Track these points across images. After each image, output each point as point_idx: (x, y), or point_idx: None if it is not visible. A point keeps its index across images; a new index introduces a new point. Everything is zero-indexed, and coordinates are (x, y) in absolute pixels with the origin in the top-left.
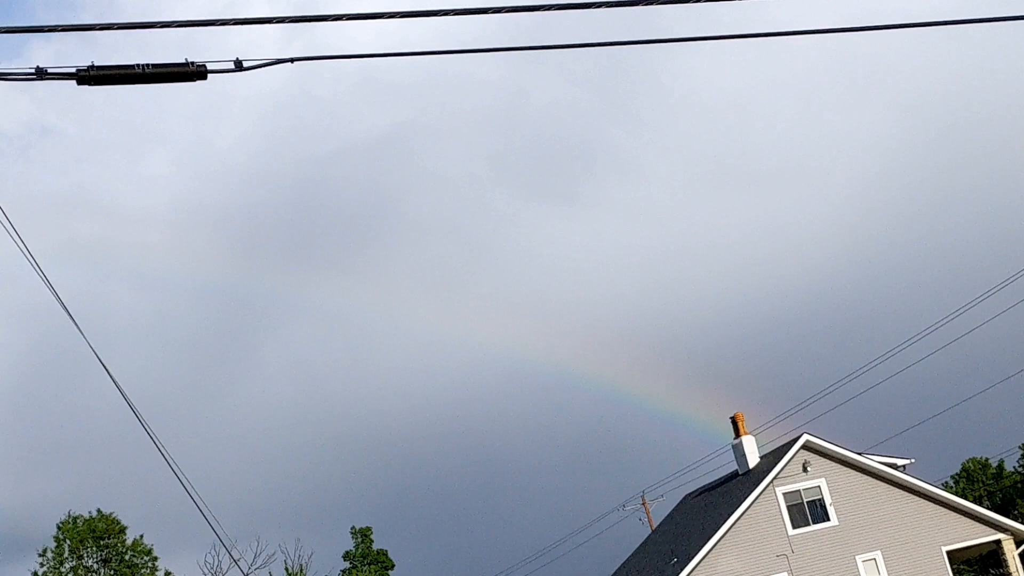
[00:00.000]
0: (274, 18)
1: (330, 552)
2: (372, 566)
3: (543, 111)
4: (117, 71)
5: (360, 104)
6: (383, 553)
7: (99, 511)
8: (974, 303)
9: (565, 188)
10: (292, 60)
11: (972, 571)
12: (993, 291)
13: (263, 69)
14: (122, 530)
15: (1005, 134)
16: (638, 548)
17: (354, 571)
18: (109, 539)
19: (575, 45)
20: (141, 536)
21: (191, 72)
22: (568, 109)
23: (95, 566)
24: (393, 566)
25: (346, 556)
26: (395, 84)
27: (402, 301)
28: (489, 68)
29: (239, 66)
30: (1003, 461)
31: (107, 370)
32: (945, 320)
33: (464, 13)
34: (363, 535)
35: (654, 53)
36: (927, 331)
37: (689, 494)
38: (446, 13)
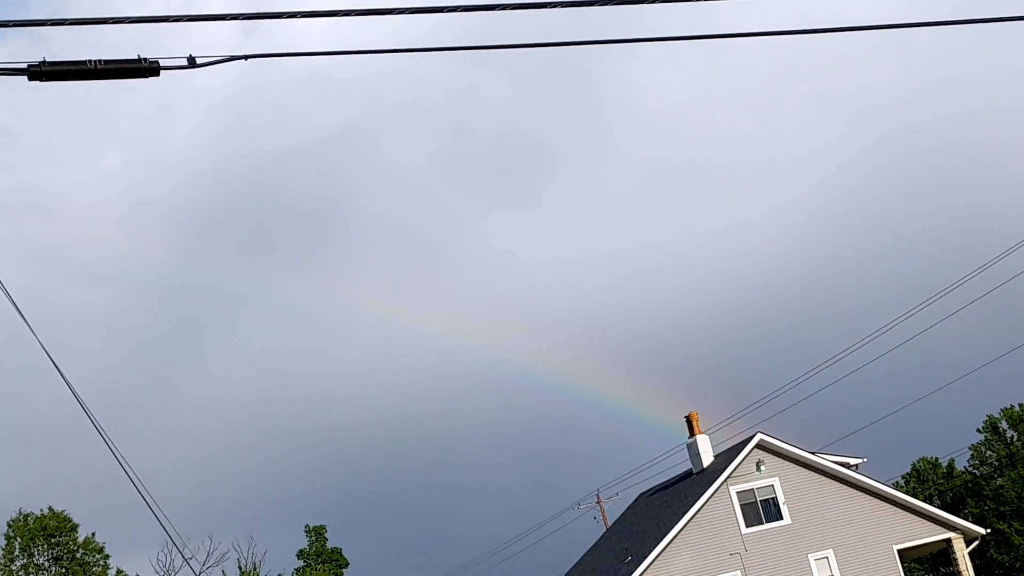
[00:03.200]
0: (227, 15)
1: (284, 550)
2: (326, 564)
3: (496, 112)
4: (70, 67)
5: (311, 103)
6: (337, 551)
7: (50, 509)
8: (925, 304)
9: (518, 189)
10: (245, 57)
11: (923, 569)
12: (943, 293)
13: (216, 68)
14: (73, 528)
15: (941, 140)
16: (593, 546)
17: (308, 569)
18: (60, 537)
19: (523, 45)
20: (93, 534)
21: (144, 68)
22: (521, 111)
23: (46, 564)
24: (347, 564)
25: (300, 554)
26: (345, 83)
27: (358, 298)
28: (440, 68)
29: (192, 63)
30: (953, 461)
31: (56, 366)
32: (897, 321)
33: (418, 12)
34: (317, 533)
35: (605, 58)
36: (879, 332)
37: (644, 493)
38: (401, 12)
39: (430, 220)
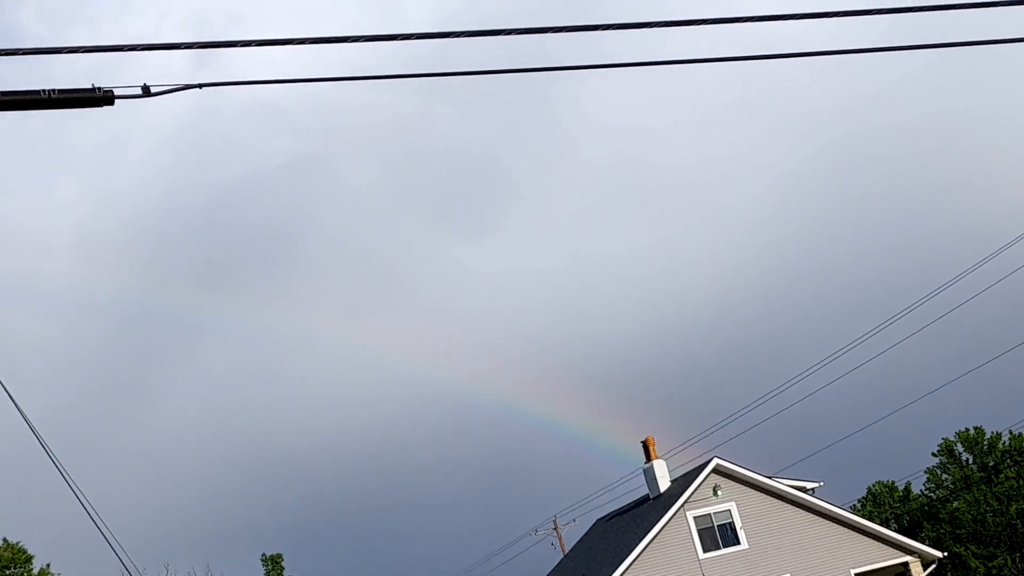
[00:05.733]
0: (182, 43)
1: None
2: None
3: (447, 138)
4: (23, 96)
5: (264, 132)
6: None
7: (4, 540)
8: (880, 327)
9: (471, 212)
10: (200, 86)
11: None
12: (898, 316)
13: (170, 99)
14: (28, 559)
15: (878, 152)
16: (550, 573)
17: None
18: (15, 568)
19: (475, 72)
20: (48, 565)
21: (98, 97)
22: (472, 136)
23: None
24: None
25: None
26: (297, 113)
27: (313, 324)
28: (390, 96)
29: (147, 92)
30: (910, 484)
31: (8, 393)
32: (853, 344)
33: (371, 40)
34: (274, 562)
35: (555, 83)
36: (835, 355)
37: (601, 518)
38: (355, 40)
39: (382, 245)
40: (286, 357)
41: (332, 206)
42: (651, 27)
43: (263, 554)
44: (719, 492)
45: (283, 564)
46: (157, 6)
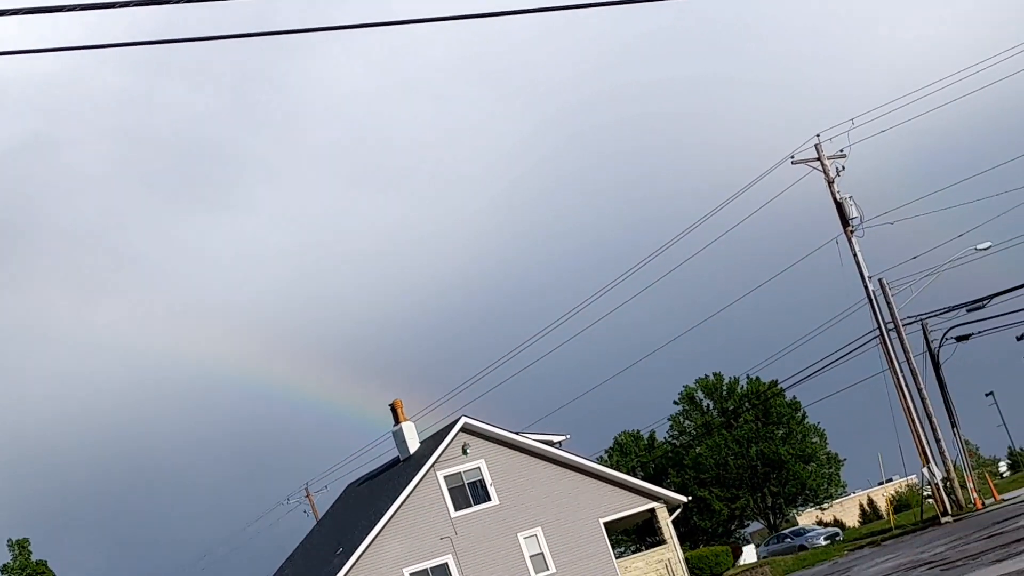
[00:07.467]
0: None
1: None
2: None
3: (178, 118)
4: None
5: None
6: (43, 564)
7: None
8: (610, 286)
9: (208, 193)
10: None
11: (630, 540)
12: (627, 275)
13: None
14: None
15: (613, 114)
16: (303, 540)
17: None
18: None
19: (206, 38)
20: None
21: None
22: (202, 115)
23: None
24: None
25: (4, 569)
26: (22, 95)
27: (48, 309)
28: (118, 77)
29: None
30: (654, 432)
31: None
32: (587, 302)
33: (88, 8)
34: (20, 547)
35: (284, 59)
36: (572, 312)
37: (352, 483)
38: (74, 8)
39: (117, 228)
40: (22, 345)
41: (61, 190)
42: None
43: (8, 539)
44: (468, 450)
45: (30, 548)
46: None
